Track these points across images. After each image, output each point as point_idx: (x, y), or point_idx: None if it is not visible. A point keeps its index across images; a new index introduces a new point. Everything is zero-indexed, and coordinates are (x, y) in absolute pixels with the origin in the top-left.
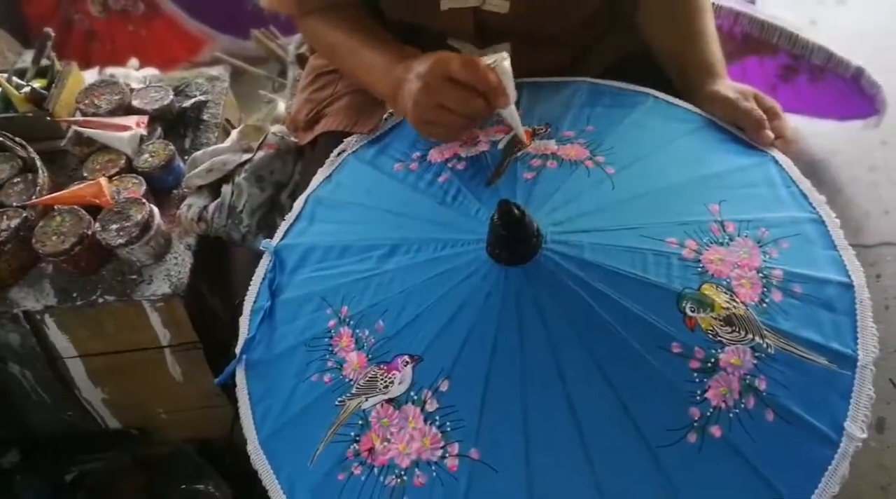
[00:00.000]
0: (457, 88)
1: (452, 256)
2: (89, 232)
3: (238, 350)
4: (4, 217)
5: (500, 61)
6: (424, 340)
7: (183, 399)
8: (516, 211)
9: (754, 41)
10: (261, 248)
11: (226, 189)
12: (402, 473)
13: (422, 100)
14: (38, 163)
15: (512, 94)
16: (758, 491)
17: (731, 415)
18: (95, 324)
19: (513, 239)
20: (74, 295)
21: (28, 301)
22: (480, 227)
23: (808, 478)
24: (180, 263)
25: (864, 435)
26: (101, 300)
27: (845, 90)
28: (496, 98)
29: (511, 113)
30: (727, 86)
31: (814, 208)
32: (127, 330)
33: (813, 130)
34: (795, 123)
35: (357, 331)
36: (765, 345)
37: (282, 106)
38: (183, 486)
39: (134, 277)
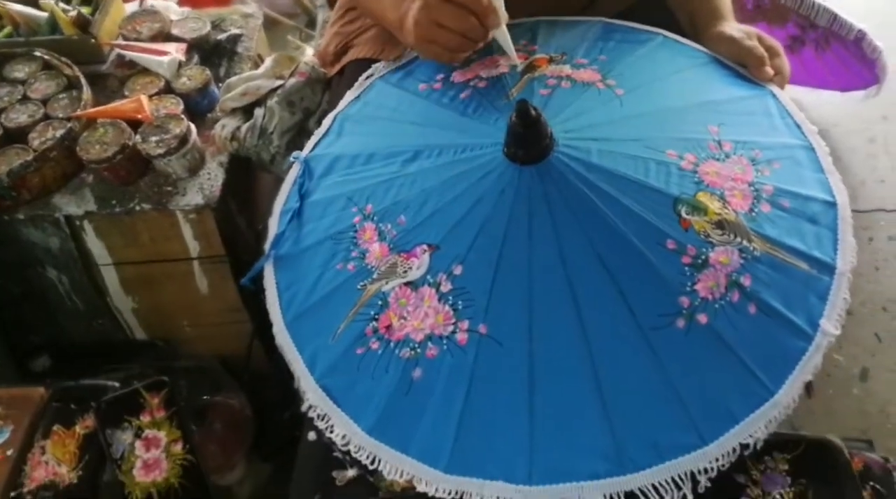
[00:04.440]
0: (451, 6)
1: (471, 158)
2: (130, 143)
3: (267, 247)
4: (50, 128)
5: None
6: (442, 231)
7: (207, 313)
8: (533, 111)
9: (764, 10)
10: (291, 159)
11: (258, 111)
12: (416, 346)
13: (421, 18)
14: (83, 80)
15: (502, 14)
16: (738, 374)
17: (716, 306)
18: (131, 232)
19: (528, 138)
20: (113, 203)
21: (69, 207)
22: (498, 133)
23: (784, 366)
24: (213, 178)
25: (838, 332)
26: (137, 208)
27: (848, 59)
28: (486, 17)
29: (502, 33)
30: (732, 27)
31: (806, 137)
32: (160, 240)
33: (817, 101)
34: (800, 95)
35: (380, 225)
36: (751, 248)
37: (309, 51)
38: (204, 397)
39: (169, 188)
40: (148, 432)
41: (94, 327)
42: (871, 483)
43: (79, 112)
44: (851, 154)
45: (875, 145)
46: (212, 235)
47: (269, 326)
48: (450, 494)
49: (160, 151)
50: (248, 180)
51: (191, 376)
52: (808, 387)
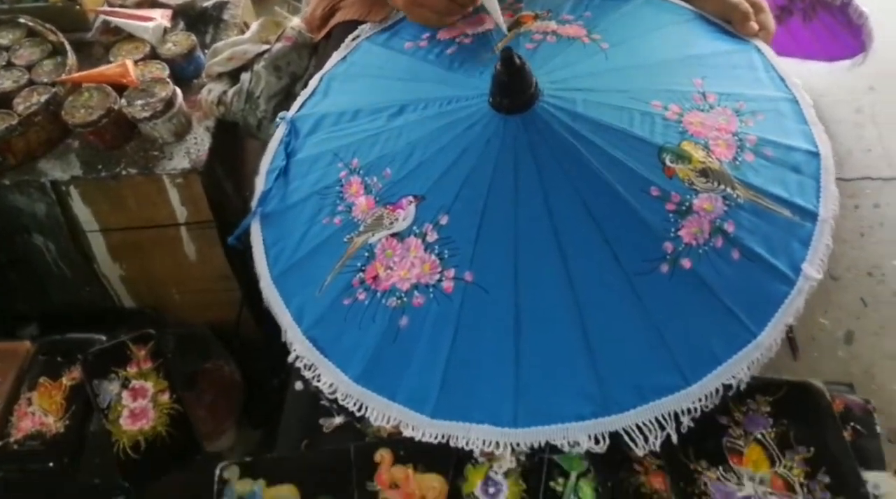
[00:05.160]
0: None
1: (457, 110)
2: (116, 106)
3: (253, 205)
4: (35, 93)
5: None
6: (428, 182)
7: (195, 279)
8: (517, 59)
9: None
10: (277, 120)
11: (245, 76)
12: (403, 295)
13: None
14: (67, 46)
15: None
16: (721, 317)
17: (700, 251)
18: (117, 198)
19: (513, 86)
20: (99, 167)
21: (55, 172)
22: (483, 84)
23: (767, 309)
24: (199, 142)
25: (820, 276)
26: (124, 173)
27: (835, 27)
28: None
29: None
30: None
31: (790, 90)
32: (147, 206)
33: (804, 72)
34: (788, 66)
35: (366, 178)
36: (735, 195)
37: (296, 20)
38: (194, 364)
39: (156, 153)
40: (135, 383)
41: (82, 295)
42: (852, 424)
43: (63, 77)
44: (838, 124)
45: (862, 115)
46: (199, 200)
47: (258, 293)
48: (436, 438)
49: (146, 114)
50: (235, 147)
51: (180, 342)
52: (794, 348)
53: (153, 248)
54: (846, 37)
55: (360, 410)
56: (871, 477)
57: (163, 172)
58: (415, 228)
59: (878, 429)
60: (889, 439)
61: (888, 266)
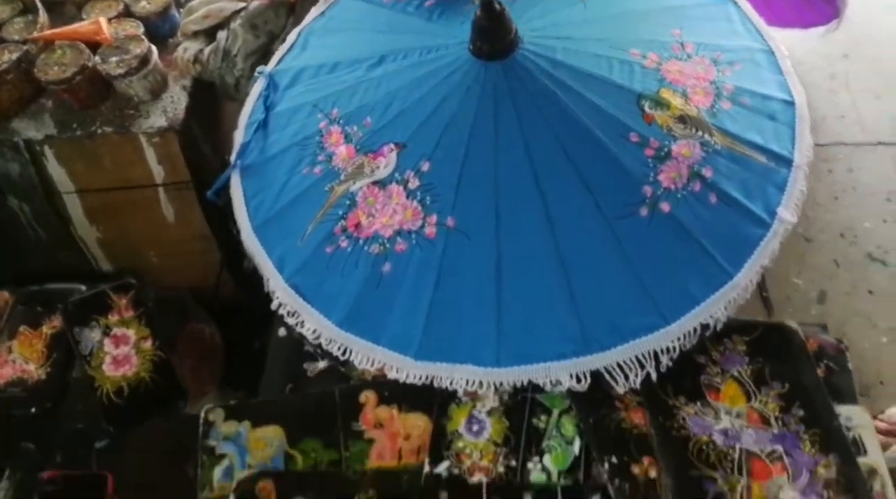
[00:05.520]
0: None
1: (437, 58)
2: (89, 64)
3: (232, 159)
4: (6, 51)
5: None
6: (408, 129)
7: (174, 242)
8: (497, 5)
9: None
10: (255, 75)
11: (221, 34)
12: (385, 242)
13: None
14: (38, 3)
15: None
16: (698, 259)
17: (679, 195)
18: (93, 157)
19: (493, 31)
20: (74, 126)
21: (29, 131)
22: (463, 33)
23: (743, 251)
24: (176, 101)
25: (795, 220)
26: (99, 131)
27: None
28: None
29: None
30: None
31: (766, 41)
32: (123, 165)
33: (780, 40)
34: None
35: (346, 128)
36: (712, 141)
37: None
38: (174, 327)
39: (132, 111)
40: (116, 330)
41: (59, 259)
42: (825, 361)
43: (35, 34)
44: (813, 90)
45: (836, 82)
46: (176, 159)
47: (238, 256)
48: (420, 379)
49: (121, 71)
50: (212, 108)
51: (160, 306)
52: (769, 308)
53: (130, 209)
54: (820, 3)
55: (344, 354)
56: (843, 410)
57: (139, 131)
58: (396, 175)
59: (850, 366)
60: (861, 393)
61: (860, 228)
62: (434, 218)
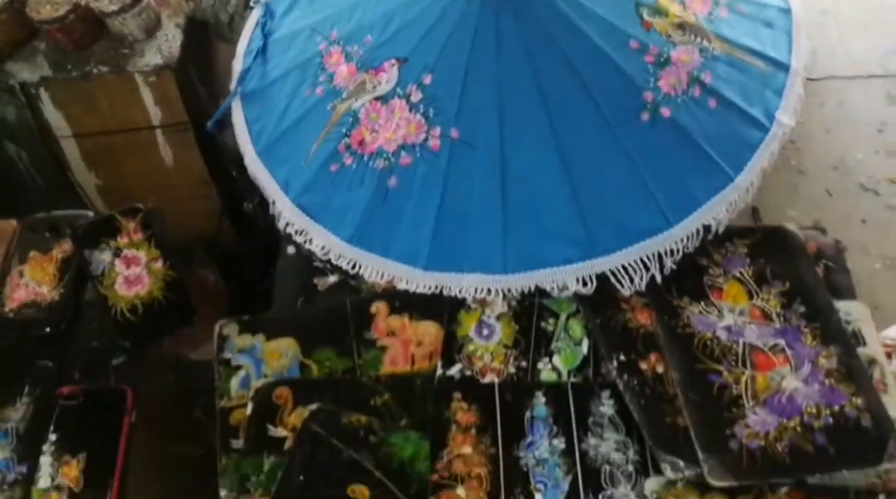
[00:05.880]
0: None
1: None
2: (82, 2)
3: (232, 87)
4: None
5: None
6: (409, 44)
7: (173, 187)
8: None
9: None
10: (251, 3)
11: None
12: (389, 156)
13: None
14: None
15: None
16: (700, 162)
17: (679, 100)
18: (89, 99)
19: None
20: (69, 67)
21: (23, 73)
22: None
23: (743, 154)
24: (171, 39)
25: (793, 124)
26: (94, 71)
27: None
28: None
29: None
30: None
31: None
32: (120, 107)
33: None
34: None
35: (346, 47)
36: (711, 48)
37: None
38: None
39: (126, 51)
40: (127, 252)
41: (58, 207)
42: (824, 261)
43: None
44: (805, 25)
45: (826, 17)
46: (173, 100)
47: (238, 202)
48: (430, 289)
49: (114, 7)
50: (207, 49)
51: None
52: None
53: (128, 153)
54: None
55: (354, 268)
56: (842, 306)
57: (134, 70)
58: (398, 89)
59: (848, 264)
60: None
61: (851, 159)
62: (438, 130)
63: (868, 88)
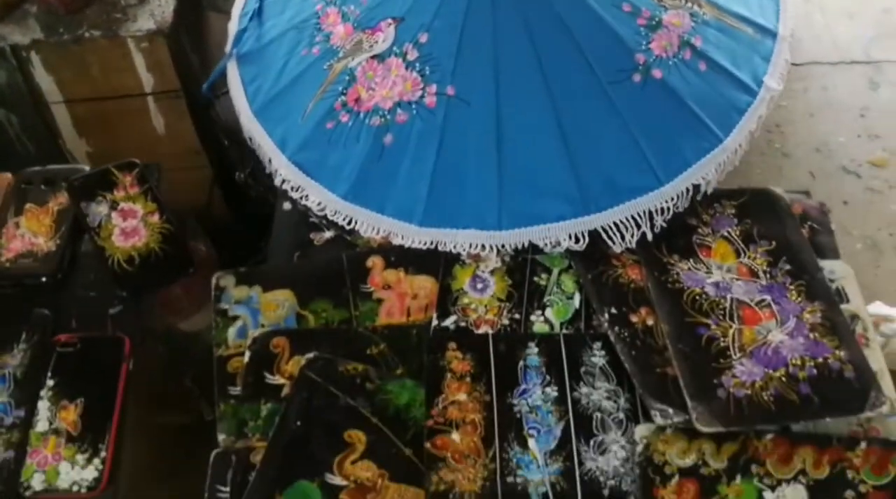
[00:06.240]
0: None
1: None
2: None
3: (227, 48)
4: None
5: None
6: (406, 4)
7: (165, 155)
8: None
9: None
10: None
11: None
12: (386, 114)
13: None
14: None
15: None
16: (690, 123)
17: (670, 63)
18: (80, 64)
19: None
20: (60, 30)
21: (14, 36)
22: None
23: (732, 116)
24: (164, 4)
25: (780, 88)
26: (86, 35)
27: None
28: None
29: None
30: None
31: None
32: (111, 73)
33: None
34: None
35: (343, 7)
36: (701, 13)
37: None
38: None
39: (118, 15)
40: (123, 205)
41: None
42: (809, 223)
43: None
44: None
45: (811, 5)
46: (165, 66)
47: (230, 172)
48: (425, 245)
49: None
50: (199, 18)
51: None
52: None
53: (120, 120)
54: None
55: (349, 224)
56: (827, 265)
57: (127, 34)
58: (395, 48)
59: (833, 226)
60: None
61: (834, 142)
62: (434, 87)
63: (851, 74)
